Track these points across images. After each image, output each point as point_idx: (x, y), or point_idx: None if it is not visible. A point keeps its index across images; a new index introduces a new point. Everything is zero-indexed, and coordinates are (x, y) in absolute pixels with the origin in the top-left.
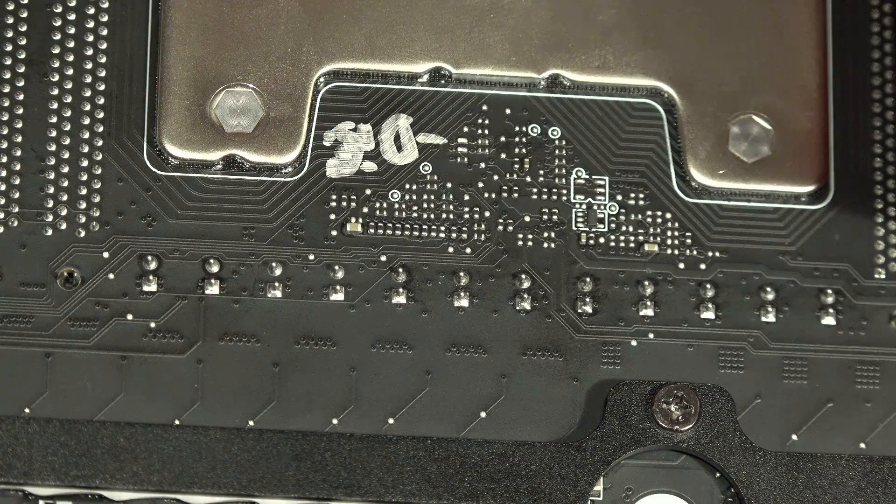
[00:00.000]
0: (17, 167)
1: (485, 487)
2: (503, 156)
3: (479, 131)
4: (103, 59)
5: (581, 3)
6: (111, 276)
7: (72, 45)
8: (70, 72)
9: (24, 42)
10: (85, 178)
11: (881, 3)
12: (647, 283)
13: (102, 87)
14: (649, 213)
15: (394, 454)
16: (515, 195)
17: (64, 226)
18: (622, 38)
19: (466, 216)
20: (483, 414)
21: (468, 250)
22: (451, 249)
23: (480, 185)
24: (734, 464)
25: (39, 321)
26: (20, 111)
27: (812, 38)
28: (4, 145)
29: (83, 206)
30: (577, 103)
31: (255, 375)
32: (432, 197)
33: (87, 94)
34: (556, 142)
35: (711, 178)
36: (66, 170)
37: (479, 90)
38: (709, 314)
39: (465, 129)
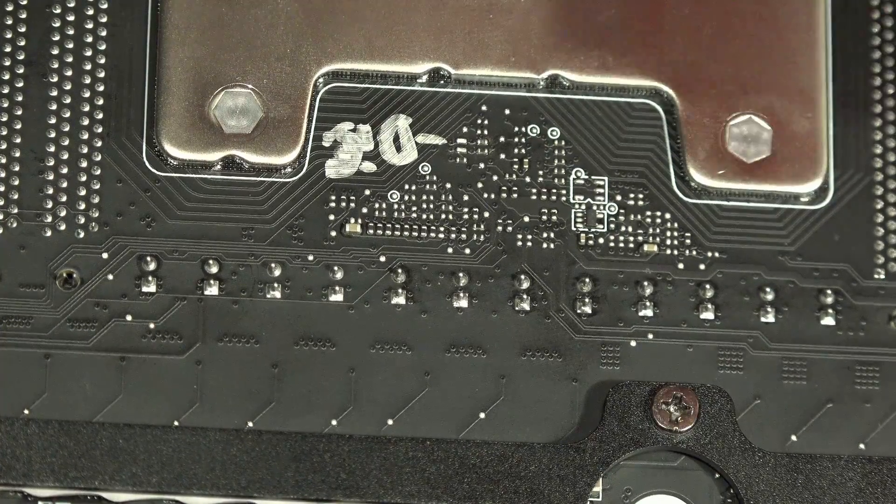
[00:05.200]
0: (17, 168)
1: (484, 488)
2: (502, 156)
3: (479, 132)
4: (102, 60)
5: (581, 4)
6: (110, 276)
7: (71, 45)
8: (69, 72)
9: (23, 42)
10: (84, 178)
11: (881, 3)
12: (646, 283)
13: (101, 88)
14: (648, 213)
15: (393, 455)
16: (515, 195)
17: (63, 227)
18: (622, 39)
19: (466, 217)
20: (482, 415)
21: (467, 251)
22: (450, 250)
23: (480, 185)
24: (733, 464)
25: (39, 322)
26: (19, 112)
27: (812, 38)
28: (3, 146)
29: (82, 206)
30: (577, 103)
31: (254, 376)
32: (431, 197)
33: (87, 94)
34: (556, 142)
35: (711, 178)
36: (65, 170)
37: (478, 90)
38: (708, 315)
39: (465, 130)
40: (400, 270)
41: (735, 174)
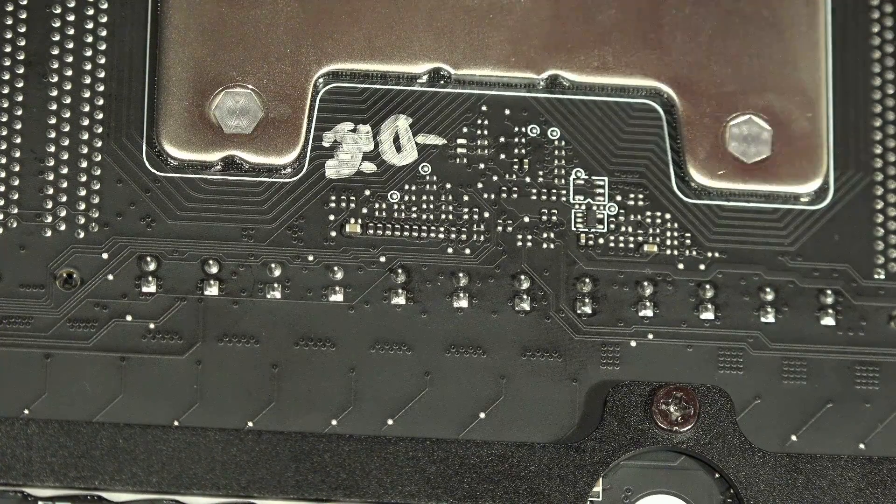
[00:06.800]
0: (17, 168)
1: (484, 488)
2: (502, 156)
3: (479, 132)
4: (102, 60)
5: (581, 4)
6: (110, 277)
7: (71, 45)
8: (69, 72)
9: (23, 42)
10: (84, 179)
11: (881, 3)
12: (646, 283)
13: (101, 88)
14: (649, 213)
15: (393, 455)
16: (515, 196)
17: (63, 227)
18: (622, 39)
19: (466, 217)
20: (482, 415)
21: (467, 251)
22: (450, 250)
23: (480, 185)
24: (733, 464)
25: (39, 322)
26: (19, 112)
27: (811, 38)
28: (4, 146)
29: (82, 207)
30: (577, 104)
31: (254, 376)
32: (431, 198)
33: (87, 94)
34: (556, 142)
35: (711, 178)
36: (65, 171)
37: (478, 91)
38: (708, 315)
39: (465, 130)
40: (400, 271)
41: (735, 174)
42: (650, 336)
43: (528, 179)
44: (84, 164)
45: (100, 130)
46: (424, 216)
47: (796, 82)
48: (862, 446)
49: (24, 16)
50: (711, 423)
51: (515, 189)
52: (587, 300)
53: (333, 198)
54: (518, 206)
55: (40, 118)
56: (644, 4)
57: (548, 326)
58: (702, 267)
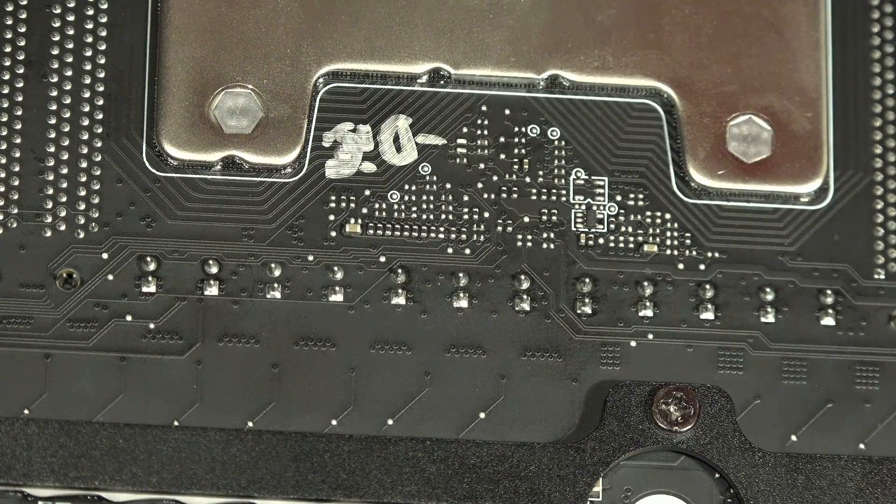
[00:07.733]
0: (17, 168)
1: (484, 488)
2: (502, 156)
3: (479, 132)
4: (102, 60)
5: (580, 4)
6: (110, 277)
7: (71, 45)
8: (69, 72)
9: (23, 43)
10: (84, 179)
11: (881, 2)
12: (646, 283)
13: (101, 88)
14: (648, 213)
15: (393, 455)
16: (515, 196)
17: (63, 227)
18: (621, 39)
19: (466, 217)
20: (482, 415)
21: (467, 251)
22: (450, 250)
23: (480, 185)
24: (733, 464)
25: (39, 322)
26: (19, 112)
27: (811, 38)
28: (3, 146)
29: (82, 207)
30: (577, 104)
31: (254, 376)
32: (431, 198)
33: (87, 94)
34: (556, 142)
35: (711, 178)
36: (65, 171)
37: (478, 91)
38: (708, 315)
39: (465, 130)
40: (400, 271)
41: (735, 174)
42: (650, 336)
43: (528, 179)
44: (84, 164)
45: (100, 130)
46: (424, 216)
47: (796, 82)
48: (862, 446)
49: (24, 16)
50: (711, 423)
51: (515, 189)
52: (587, 300)
53: (333, 198)
54: (518, 206)
55: (40, 118)
56: (644, 4)
57: (548, 326)
58: (702, 267)
